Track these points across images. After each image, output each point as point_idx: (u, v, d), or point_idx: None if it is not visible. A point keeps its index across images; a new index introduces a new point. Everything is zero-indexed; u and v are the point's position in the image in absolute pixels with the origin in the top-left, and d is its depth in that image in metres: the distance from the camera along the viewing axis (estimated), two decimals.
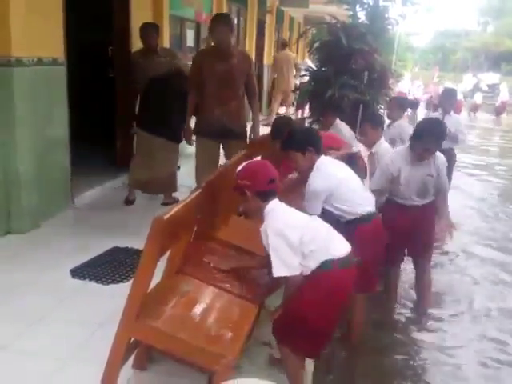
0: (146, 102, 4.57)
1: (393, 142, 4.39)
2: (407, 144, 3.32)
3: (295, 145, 2.71)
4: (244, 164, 2.27)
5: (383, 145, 3.91)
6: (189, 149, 6.11)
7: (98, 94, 5.64)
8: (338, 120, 4.64)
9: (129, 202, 4.73)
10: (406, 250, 3.53)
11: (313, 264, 2.13)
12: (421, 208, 3.34)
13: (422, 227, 3.36)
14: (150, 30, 4.61)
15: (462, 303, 3.73)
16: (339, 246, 2.22)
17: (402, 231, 3.26)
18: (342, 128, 4.56)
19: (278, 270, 2.11)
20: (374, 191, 3.12)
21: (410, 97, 17.31)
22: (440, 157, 3.31)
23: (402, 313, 3.57)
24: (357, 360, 3.00)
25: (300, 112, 11.09)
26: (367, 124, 4.02)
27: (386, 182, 3.31)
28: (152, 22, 5.02)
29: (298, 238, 2.11)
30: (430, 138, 3.14)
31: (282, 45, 12.03)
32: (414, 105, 12.10)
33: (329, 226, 2.30)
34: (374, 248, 2.74)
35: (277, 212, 2.20)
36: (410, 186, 3.27)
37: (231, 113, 4.13)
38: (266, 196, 2.20)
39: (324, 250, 2.15)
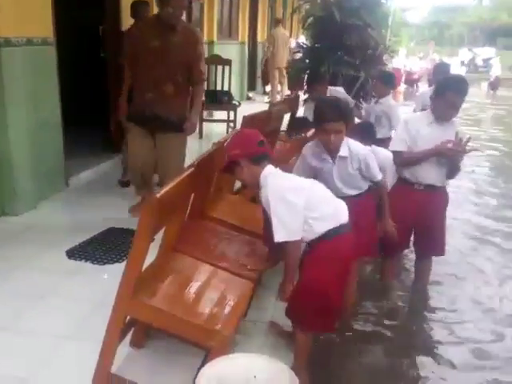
0: None
1: (378, 120, 4.42)
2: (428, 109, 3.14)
3: None
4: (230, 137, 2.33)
5: (391, 101, 4.54)
6: None
7: (90, 74, 5.58)
8: (329, 87, 4.69)
9: (123, 183, 4.72)
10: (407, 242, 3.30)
11: (320, 229, 2.13)
12: (431, 194, 3.09)
13: (429, 217, 3.11)
14: (142, 8, 4.50)
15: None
16: (343, 211, 2.22)
17: (405, 217, 3.03)
18: (338, 93, 4.64)
19: (280, 235, 2.09)
20: (394, 153, 3.05)
21: (405, 72, 17.26)
22: (458, 125, 3.14)
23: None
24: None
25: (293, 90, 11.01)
26: (378, 81, 4.60)
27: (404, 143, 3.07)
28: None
29: (302, 203, 2.10)
30: (452, 92, 2.90)
31: (275, 22, 11.88)
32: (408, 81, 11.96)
33: (327, 189, 2.28)
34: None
35: (275, 176, 2.18)
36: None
37: (166, 99, 3.50)
38: (258, 160, 2.18)
39: (332, 216, 2.16)
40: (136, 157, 3.74)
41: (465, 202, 5.37)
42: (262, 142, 2.22)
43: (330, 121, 2.52)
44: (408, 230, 3.21)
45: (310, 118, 4.48)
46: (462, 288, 3.49)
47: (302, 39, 11.88)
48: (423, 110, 4.86)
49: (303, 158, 2.77)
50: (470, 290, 3.47)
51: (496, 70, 19.10)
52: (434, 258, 3.38)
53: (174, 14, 3.39)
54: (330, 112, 2.53)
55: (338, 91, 4.72)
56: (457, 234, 4.32)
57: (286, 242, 2.12)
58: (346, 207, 2.24)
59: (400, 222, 2.96)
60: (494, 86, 18.67)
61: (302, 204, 2.10)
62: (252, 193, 3.05)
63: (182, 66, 3.51)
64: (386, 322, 3.03)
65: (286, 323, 2.48)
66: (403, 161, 3.08)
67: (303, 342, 2.31)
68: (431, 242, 3.23)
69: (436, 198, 3.14)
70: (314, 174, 2.69)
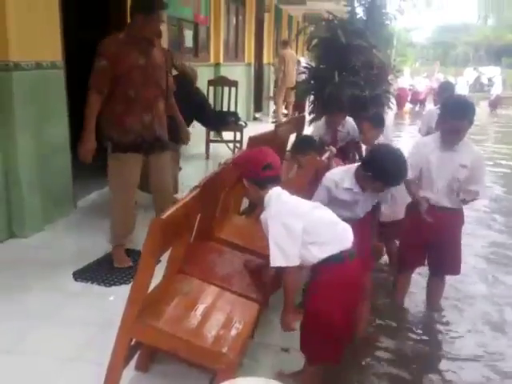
0: None
1: None
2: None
3: None
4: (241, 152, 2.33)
5: None
6: (191, 149, 6.16)
7: None
8: (347, 118, 4.62)
9: None
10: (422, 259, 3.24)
11: (320, 254, 2.07)
12: (445, 213, 3.00)
13: (444, 235, 3.05)
14: None
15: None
16: (346, 236, 2.15)
17: (418, 235, 3.01)
18: (349, 125, 4.60)
19: (275, 260, 2.05)
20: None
21: (411, 91, 17.33)
22: (474, 149, 3.03)
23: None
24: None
25: (297, 111, 11.08)
26: (366, 122, 3.97)
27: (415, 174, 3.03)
28: None
29: (301, 227, 2.05)
30: (452, 119, 2.85)
31: (283, 43, 12.03)
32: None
33: (332, 213, 2.23)
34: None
35: (277, 199, 2.13)
36: (439, 177, 2.97)
37: (161, 118, 3.42)
38: (262, 183, 2.14)
39: (332, 242, 2.10)
40: (130, 192, 3.41)
41: (482, 221, 5.31)
42: (269, 165, 2.15)
43: (390, 186, 2.64)
44: (422, 248, 3.17)
45: (317, 137, 4.52)
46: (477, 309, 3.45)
47: (305, 59, 12.11)
48: (429, 128, 4.91)
49: (328, 190, 2.72)
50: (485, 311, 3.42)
51: (497, 89, 19.02)
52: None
53: (158, 29, 3.32)
54: (396, 178, 2.58)
55: (350, 123, 4.69)
56: (474, 254, 4.28)
57: (282, 268, 2.08)
58: (350, 232, 2.18)
59: (413, 239, 2.93)
60: (494, 104, 18.50)
61: (300, 228, 2.05)
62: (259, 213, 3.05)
63: (164, 81, 3.46)
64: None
65: (294, 346, 2.44)
66: (407, 190, 3.07)
67: (311, 373, 2.29)
68: (446, 260, 3.17)
69: (451, 216, 3.07)
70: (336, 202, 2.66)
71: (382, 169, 2.52)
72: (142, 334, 1.96)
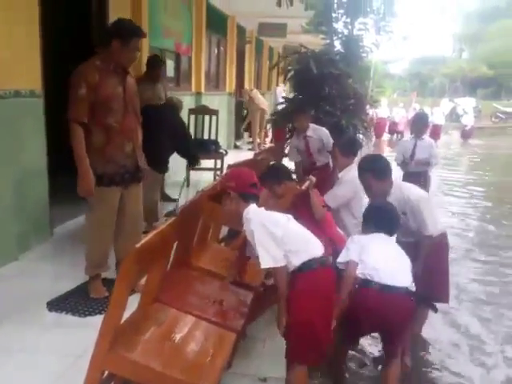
0: None
1: None
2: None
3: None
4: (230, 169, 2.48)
5: (352, 172, 3.60)
6: (173, 176, 6.15)
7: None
8: (313, 124, 4.92)
9: None
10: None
11: (295, 261, 2.27)
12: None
13: (429, 261, 2.96)
14: (159, 62, 5.43)
15: None
16: (316, 246, 2.36)
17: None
18: (321, 131, 4.89)
19: (265, 262, 2.23)
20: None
21: (389, 122, 17.70)
22: (412, 192, 3.01)
23: None
24: None
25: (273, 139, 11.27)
26: (337, 149, 3.99)
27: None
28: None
29: (280, 235, 2.25)
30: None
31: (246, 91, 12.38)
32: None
33: (302, 226, 2.42)
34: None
35: (257, 210, 2.35)
36: None
37: (140, 147, 3.36)
38: (247, 198, 2.37)
39: (305, 250, 2.30)
40: (111, 226, 3.33)
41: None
42: (255, 184, 2.47)
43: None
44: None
45: (295, 150, 4.78)
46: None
47: (281, 88, 12.54)
48: (404, 158, 5.01)
49: None
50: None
51: (469, 120, 19.18)
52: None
53: (135, 56, 3.25)
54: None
55: (322, 130, 4.89)
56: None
57: (273, 269, 2.26)
58: (320, 243, 2.38)
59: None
60: (466, 135, 18.62)
61: (281, 235, 2.26)
62: (238, 242, 3.03)
63: (139, 109, 3.41)
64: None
65: (272, 375, 2.42)
66: None
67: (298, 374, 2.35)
68: (434, 287, 3.09)
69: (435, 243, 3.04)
70: None
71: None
72: (115, 365, 1.91)
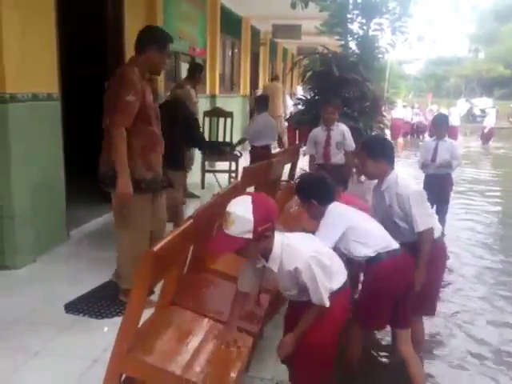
0: None
1: None
2: None
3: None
4: (249, 204, 1.87)
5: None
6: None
7: (95, 127, 5.67)
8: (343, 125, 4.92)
9: None
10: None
11: (335, 285, 2.15)
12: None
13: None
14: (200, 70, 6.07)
15: None
16: (343, 266, 2.29)
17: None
18: (343, 127, 4.88)
19: (324, 300, 2.05)
20: None
21: (405, 122, 17.58)
22: (406, 184, 2.76)
23: None
24: None
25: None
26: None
27: None
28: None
29: (329, 264, 2.11)
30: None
31: (273, 78, 12.32)
32: None
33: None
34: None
35: (293, 244, 2.05)
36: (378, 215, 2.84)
37: (163, 155, 3.36)
38: (272, 233, 2.00)
39: (342, 271, 2.23)
40: (148, 233, 3.26)
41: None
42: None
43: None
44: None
45: (313, 141, 4.78)
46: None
47: (299, 90, 12.36)
48: (425, 160, 4.93)
49: None
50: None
51: (490, 121, 18.63)
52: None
53: (163, 67, 3.24)
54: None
55: (344, 126, 4.94)
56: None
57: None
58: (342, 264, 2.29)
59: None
60: (487, 137, 18.09)
61: (329, 263, 2.11)
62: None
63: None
64: None
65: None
66: None
67: None
68: (419, 299, 2.82)
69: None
70: None
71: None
72: (133, 369, 1.90)
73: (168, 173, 3.46)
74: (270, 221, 1.92)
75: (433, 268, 2.77)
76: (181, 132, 4.43)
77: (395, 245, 2.52)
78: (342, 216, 2.54)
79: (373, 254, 2.48)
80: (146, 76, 3.14)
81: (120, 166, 2.97)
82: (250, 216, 1.84)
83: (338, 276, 2.20)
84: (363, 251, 2.48)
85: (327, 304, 2.06)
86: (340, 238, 2.50)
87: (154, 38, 3.12)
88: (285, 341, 2.22)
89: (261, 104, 6.28)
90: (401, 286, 2.51)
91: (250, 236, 1.86)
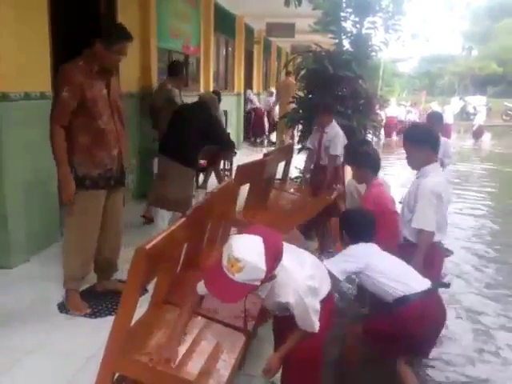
0: (171, 128, 4.64)
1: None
2: None
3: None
4: (261, 249, 1.67)
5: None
6: None
7: None
8: (334, 122, 4.91)
9: (145, 218, 5.01)
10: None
11: (321, 297, 2.12)
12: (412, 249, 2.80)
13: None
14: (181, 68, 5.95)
15: None
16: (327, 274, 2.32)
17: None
18: (332, 133, 4.83)
19: (316, 325, 2.02)
20: None
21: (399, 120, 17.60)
22: (422, 182, 2.80)
23: None
24: None
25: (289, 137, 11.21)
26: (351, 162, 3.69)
27: None
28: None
29: (318, 284, 2.08)
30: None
31: (287, 73, 12.23)
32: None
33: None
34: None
35: (287, 271, 1.90)
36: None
37: (125, 150, 3.27)
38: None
39: (326, 281, 2.25)
40: (95, 233, 3.19)
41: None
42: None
43: None
44: None
45: (311, 145, 4.80)
46: None
47: (251, 94, 12.41)
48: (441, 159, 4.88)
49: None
50: None
51: (480, 119, 18.96)
52: None
53: (118, 60, 3.16)
54: None
55: (334, 131, 4.89)
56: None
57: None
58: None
59: None
60: (477, 134, 18.35)
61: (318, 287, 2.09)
62: None
63: (124, 112, 3.31)
64: None
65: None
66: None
67: None
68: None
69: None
70: None
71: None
72: (126, 368, 1.90)
73: (180, 168, 3.83)
74: (279, 261, 1.77)
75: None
76: (200, 134, 4.50)
77: (425, 285, 2.45)
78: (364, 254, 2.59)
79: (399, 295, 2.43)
80: (97, 70, 3.04)
81: (58, 163, 2.98)
82: (262, 265, 1.64)
83: (323, 287, 2.17)
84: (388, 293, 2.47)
85: (317, 329, 2.02)
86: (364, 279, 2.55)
87: (102, 34, 3.05)
88: (270, 362, 2.17)
89: None
90: (425, 331, 2.45)
91: (258, 284, 1.68)
